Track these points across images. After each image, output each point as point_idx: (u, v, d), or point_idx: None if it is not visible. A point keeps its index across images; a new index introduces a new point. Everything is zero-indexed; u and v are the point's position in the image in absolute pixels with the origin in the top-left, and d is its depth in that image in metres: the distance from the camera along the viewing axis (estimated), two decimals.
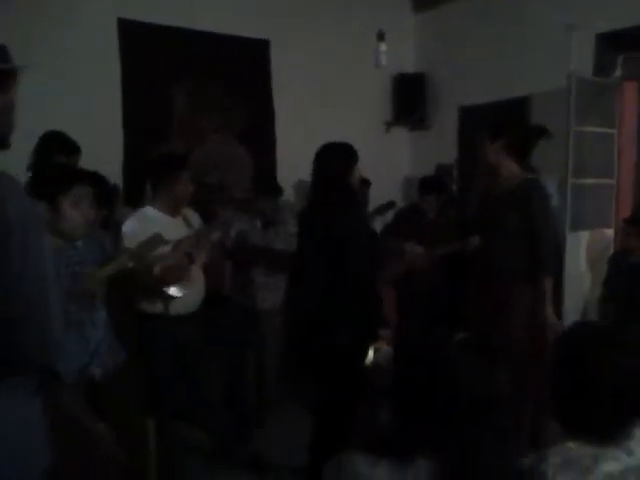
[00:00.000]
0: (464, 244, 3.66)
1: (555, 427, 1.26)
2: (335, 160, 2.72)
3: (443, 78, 5.02)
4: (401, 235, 4.04)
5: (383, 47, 4.96)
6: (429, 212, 4.24)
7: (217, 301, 3.33)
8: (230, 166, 4.41)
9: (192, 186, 2.99)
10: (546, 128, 2.99)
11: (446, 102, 5.00)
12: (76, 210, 2.14)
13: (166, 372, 2.87)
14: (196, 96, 4.31)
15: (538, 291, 2.85)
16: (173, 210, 2.97)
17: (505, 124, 3.06)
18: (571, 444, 1.22)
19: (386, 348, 2.20)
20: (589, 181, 4.04)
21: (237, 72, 4.44)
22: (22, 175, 2.55)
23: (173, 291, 2.85)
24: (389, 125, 5.24)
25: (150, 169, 3.07)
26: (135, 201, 3.44)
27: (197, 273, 2.96)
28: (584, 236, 4.06)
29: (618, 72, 4.12)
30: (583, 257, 4.06)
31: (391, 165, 5.01)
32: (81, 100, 3.69)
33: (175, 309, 2.88)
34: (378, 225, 4.18)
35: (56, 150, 3.05)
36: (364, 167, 2.82)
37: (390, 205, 4.25)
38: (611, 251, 4.13)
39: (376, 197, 4.28)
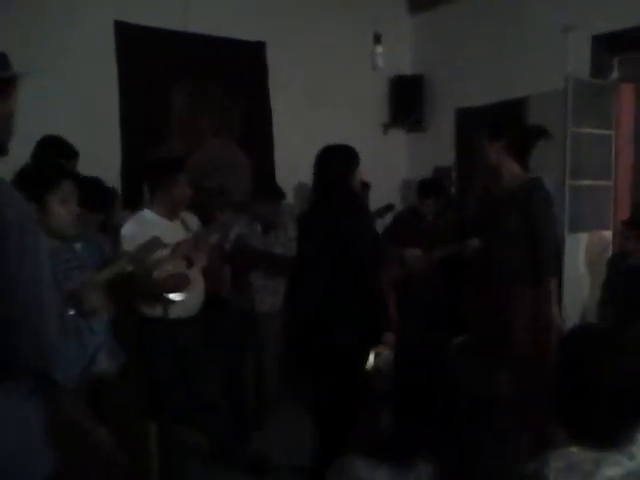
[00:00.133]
0: (463, 246, 3.67)
1: (558, 431, 1.26)
2: (336, 162, 2.73)
3: (440, 80, 5.03)
4: (400, 238, 4.05)
5: (379, 49, 4.97)
6: (428, 215, 4.24)
7: (216, 304, 3.33)
8: (229, 169, 4.41)
9: (190, 189, 2.99)
10: (546, 128, 2.99)
11: (443, 104, 5.01)
12: (64, 208, 2.10)
13: (166, 376, 2.87)
14: (194, 98, 4.31)
15: (540, 292, 2.83)
16: (171, 213, 2.97)
17: (505, 124, 3.04)
18: (573, 448, 1.23)
19: (387, 353, 2.20)
20: (587, 182, 4.05)
21: (234, 74, 4.44)
22: None
23: (173, 295, 2.85)
24: (386, 127, 5.25)
25: (148, 172, 3.07)
26: (133, 203, 3.44)
27: (197, 276, 2.96)
28: (582, 238, 4.07)
29: (615, 73, 4.14)
30: (582, 259, 4.07)
31: (389, 167, 5.02)
32: (79, 102, 3.69)
33: (175, 313, 2.88)
34: (377, 228, 4.18)
35: (54, 155, 3.04)
36: (362, 169, 2.82)
37: (389, 208, 4.25)
38: (609, 253, 4.14)
39: (374, 200, 4.28)
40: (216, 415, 3.24)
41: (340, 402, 2.72)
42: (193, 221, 3.09)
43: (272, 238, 3.71)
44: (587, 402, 1.25)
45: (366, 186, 4.04)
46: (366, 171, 2.86)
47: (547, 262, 2.86)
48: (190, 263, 2.87)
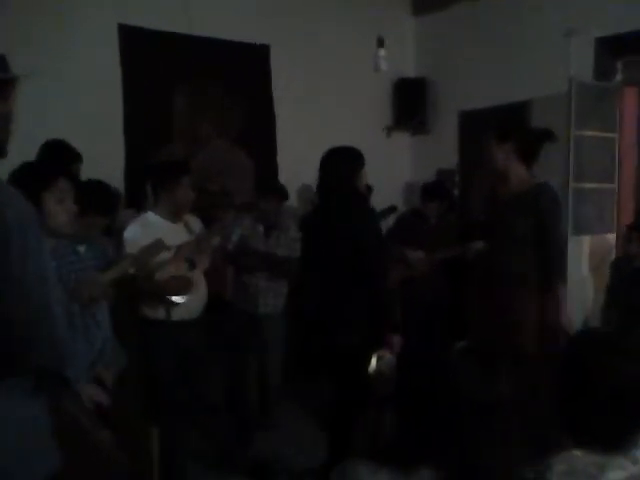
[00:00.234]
0: (465, 249, 3.66)
1: (561, 434, 1.26)
2: (341, 164, 2.74)
3: (444, 82, 5.03)
4: (402, 240, 4.05)
5: (383, 52, 4.97)
6: (430, 217, 4.24)
7: (219, 306, 3.33)
8: (232, 172, 4.42)
9: (193, 192, 2.99)
10: (552, 131, 2.97)
11: (447, 107, 5.01)
12: (60, 206, 2.08)
13: (168, 377, 2.87)
14: (197, 100, 4.32)
15: (548, 297, 2.81)
16: (174, 216, 2.97)
17: (513, 126, 3.02)
18: (577, 452, 1.22)
19: (389, 356, 2.20)
20: (590, 185, 4.04)
21: (237, 77, 4.45)
22: None
23: (176, 297, 2.85)
24: (390, 130, 5.25)
25: (151, 175, 3.08)
26: (137, 205, 3.45)
27: (199, 279, 2.96)
28: (586, 241, 4.06)
29: (618, 77, 4.13)
30: (585, 262, 4.06)
31: (392, 170, 5.01)
32: (82, 104, 3.70)
33: (178, 315, 2.88)
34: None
35: (57, 158, 3.04)
36: (365, 172, 2.83)
37: (392, 209, 4.25)
38: (613, 256, 4.13)
39: (377, 202, 4.28)
40: (218, 417, 3.24)
41: (342, 403, 2.72)
42: (196, 223, 3.10)
43: (274, 240, 3.71)
44: (591, 406, 1.24)
45: (369, 189, 4.04)
46: (369, 174, 2.86)
47: (556, 267, 2.84)
48: (192, 265, 2.88)
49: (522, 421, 1.24)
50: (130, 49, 4.02)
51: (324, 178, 2.77)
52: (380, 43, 4.97)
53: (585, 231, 4.01)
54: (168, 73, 4.16)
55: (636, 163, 4.31)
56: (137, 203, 3.44)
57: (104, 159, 3.54)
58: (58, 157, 3.04)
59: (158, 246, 2.64)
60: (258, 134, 4.56)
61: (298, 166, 4.27)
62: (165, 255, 2.75)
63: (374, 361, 2.19)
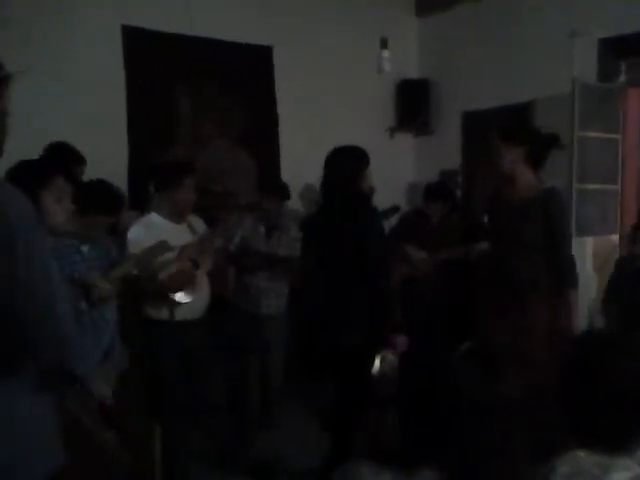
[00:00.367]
0: (468, 249, 3.66)
1: (565, 435, 1.26)
2: (346, 163, 2.74)
3: (446, 83, 5.03)
4: (405, 240, 4.06)
5: (386, 54, 4.97)
6: (433, 217, 4.24)
7: (221, 306, 3.33)
8: (235, 173, 4.42)
9: (195, 193, 2.99)
10: (559, 136, 2.95)
11: (450, 107, 5.00)
12: (58, 204, 2.07)
13: (171, 377, 2.88)
14: (200, 101, 4.32)
15: (560, 303, 2.78)
16: (178, 217, 2.98)
17: (525, 131, 2.98)
18: (581, 453, 1.22)
19: (391, 357, 2.20)
20: (593, 187, 4.04)
21: (240, 78, 4.46)
22: None
23: (180, 297, 2.86)
24: (393, 131, 5.24)
25: (153, 176, 3.09)
26: (141, 206, 3.45)
27: (202, 279, 2.96)
28: (589, 242, 4.05)
29: (622, 78, 4.12)
30: (589, 263, 4.05)
31: (395, 171, 5.01)
32: (85, 105, 3.70)
33: (181, 315, 2.89)
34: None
35: (61, 161, 3.05)
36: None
37: (395, 209, 4.25)
38: (616, 256, 4.12)
39: (380, 203, 4.27)
40: (221, 417, 3.24)
41: (345, 403, 2.73)
42: (199, 224, 3.10)
43: (275, 240, 3.72)
44: (595, 406, 1.24)
45: (371, 189, 4.04)
46: (372, 174, 2.86)
47: (567, 273, 2.82)
48: (196, 266, 2.88)
49: (526, 422, 1.24)
50: (133, 50, 4.02)
51: (328, 177, 2.77)
52: (384, 44, 4.97)
53: (588, 232, 4.00)
54: (171, 74, 4.16)
55: (639, 164, 4.30)
56: (141, 204, 3.44)
57: (107, 160, 3.55)
58: (62, 159, 3.05)
59: (162, 247, 2.65)
60: (261, 134, 4.56)
61: (300, 166, 4.27)
62: (169, 256, 2.75)
63: (377, 362, 2.19)
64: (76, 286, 2.17)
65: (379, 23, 4.94)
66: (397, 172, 5.08)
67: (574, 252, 3.79)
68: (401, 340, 2.61)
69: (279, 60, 4.59)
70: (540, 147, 2.89)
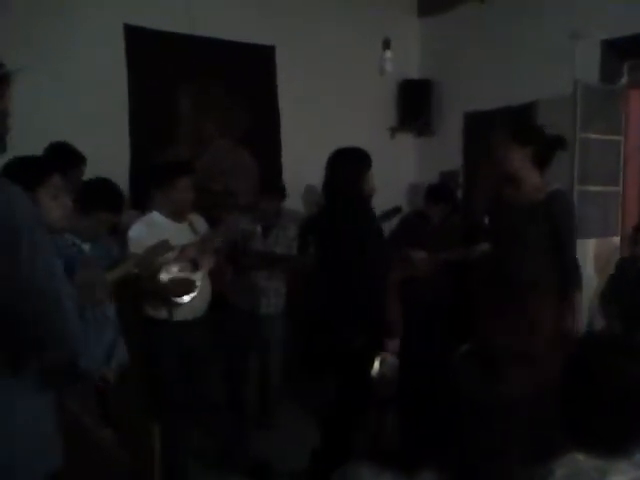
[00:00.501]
0: (469, 251, 3.66)
1: (564, 437, 1.25)
2: (348, 165, 2.74)
3: (448, 84, 5.02)
4: (406, 240, 4.06)
5: (388, 54, 4.97)
6: (434, 218, 4.24)
7: (220, 305, 3.33)
8: (236, 172, 4.42)
9: (193, 193, 2.98)
10: (564, 138, 2.93)
11: (451, 108, 5.00)
12: (55, 202, 2.04)
13: (171, 376, 2.88)
14: (202, 100, 4.32)
15: (564, 305, 2.78)
16: (178, 216, 2.98)
17: (533, 130, 2.95)
18: (579, 455, 1.22)
19: (391, 359, 2.20)
20: (595, 188, 4.03)
21: (243, 78, 4.46)
22: None
23: (179, 298, 2.86)
24: (394, 131, 5.24)
25: (151, 175, 3.10)
26: (142, 206, 3.45)
27: (203, 279, 2.96)
28: (590, 244, 4.05)
29: (624, 79, 4.11)
30: (590, 265, 4.05)
31: (396, 171, 5.00)
32: (87, 105, 3.70)
33: (181, 314, 2.89)
34: (384, 230, 4.17)
35: (62, 161, 3.05)
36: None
37: (396, 210, 4.24)
38: (617, 258, 4.11)
39: (381, 203, 4.27)
40: (220, 416, 3.25)
41: (344, 403, 2.73)
42: (200, 223, 3.11)
43: (273, 239, 3.72)
44: (595, 408, 1.24)
45: (371, 190, 4.04)
46: (374, 176, 2.85)
47: (572, 275, 2.81)
48: (196, 266, 2.89)
49: (526, 423, 1.24)
50: (135, 49, 4.02)
51: (330, 179, 2.77)
52: (386, 45, 4.97)
53: (590, 234, 4.00)
54: (173, 73, 4.16)
55: None
56: (142, 204, 3.45)
57: (108, 160, 3.54)
58: (63, 159, 3.04)
59: (163, 246, 2.65)
60: (262, 134, 4.56)
61: (301, 167, 4.27)
62: (170, 255, 2.76)
63: (377, 363, 2.19)
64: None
65: (381, 23, 4.94)
66: (398, 173, 5.07)
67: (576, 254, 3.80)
68: (392, 344, 2.61)
69: (280, 60, 4.59)
70: (546, 148, 2.86)
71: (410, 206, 4.95)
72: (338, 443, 2.69)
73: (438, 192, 4.29)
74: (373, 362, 2.58)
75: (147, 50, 4.05)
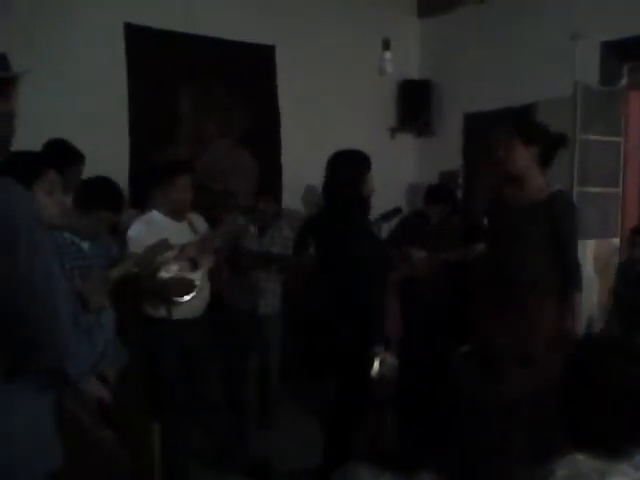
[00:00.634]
0: (468, 251, 3.66)
1: (564, 438, 1.25)
2: (347, 167, 2.74)
3: (448, 85, 5.03)
4: (405, 240, 4.06)
5: (388, 55, 4.97)
6: (434, 219, 4.24)
7: (219, 305, 3.33)
8: (236, 172, 4.42)
9: (191, 192, 2.98)
10: (567, 135, 2.91)
11: (451, 109, 5.00)
12: (50, 198, 2.01)
13: (170, 376, 2.88)
14: (202, 100, 4.32)
15: (564, 306, 2.78)
16: (177, 215, 2.98)
17: (539, 129, 2.93)
18: (580, 456, 1.22)
19: (391, 359, 2.20)
20: (594, 189, 4.04)
21: (243, 77, 4.45)
22: None
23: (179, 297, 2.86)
24: (394, 131, 5.24)
25: (150, 174, 3.11)
26: (142, 204, 3.45)
27: (202, 278, 2.96)
28: (590, 245, 4.05)
29: (624, 81, 4.12)
30: (590, 266, 4.05)
31: (395, 171, 5.01)
32: (87, 104, 3.70)
33: (181, 313, 2.89)
34: (384, 231, 4.17)
35: (60, 158, 3.04)
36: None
37: (397, 211, 4.25)
38: (617, 260, 4.12)
39: (381, 203, 4.27)
40: (220, 416, 3.25)
41: (343, 403, 2.73)
42: (200, 222, 3.10)
43: (268, 239, 3.73)
44: (594, 409, 1.24)
45: (370, 191, 4.04)
46: (373, 178, 2.86)
47: (572, 276, 2.80)
48: (195, 265, 2.89)
49: (525, 423, 1.24)
50: (136, 48, 4.02)
51: (330, 181, 2.77)
52: (386, 46, 4.97)
53: (589, 235, 4.00)
54: (173, 73, 4.16)
55: None
56: (141, 203, 3.45)
57: (108, 159, 3.54)
58: (60, 156, 3.04)
59: (163, 246, 2.65)
60: (262, 134, 4.56)
61: (301, 167, 4.27)
62: (169, 254, 2.75)
63: (376, 364, 2.18)
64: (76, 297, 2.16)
65: (381, 23, 4.94)
66: (398, 173, 5.08)
67: None
68: (379, 349, 2.60)
69: (280, 60, 4.59)
70: (550, 147, 2.85)
71: (410, 206, 4.95)
72: (338, 443, 2.69)
73: (438, 192, 4.29)
74: (372, 362, 2.58)
75: (147, 49, 4.05)
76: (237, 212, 3.86)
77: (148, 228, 2.87)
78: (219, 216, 3.62)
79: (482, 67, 4.68)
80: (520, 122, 3.30)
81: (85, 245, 2.42)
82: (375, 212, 4.15)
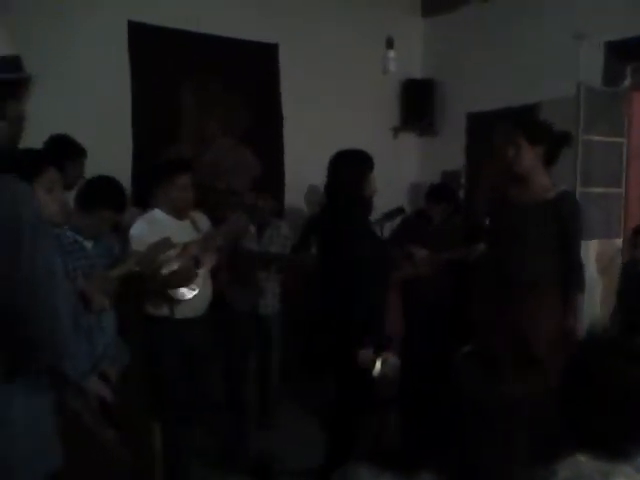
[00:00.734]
0: (470, 250, 3.66)
1: (567, 439, 1.25)
2: (349, 167, 2.73)
3: (451, 84, 5.02)
4: (407, 240, 4.06)
5: (392, 54, 4.97)
6: (436, 219, 4.24)
7: (220, 304, 3.33)
8: (239, 171, 4.42)
9: (192, 191, 2.97)
10: (571, 134, 2.90)
11: (454, 108, 4.99)
12: (50, 196, 2.01)
13: (172, 375, 2.88)
14: (205, 98, 4.32)
15: (566, 306, 2.77)
16: (179, 213, 2.98)
17: (546, 129, 2.91)
18: (582, 458, 1.22)
19: (393, 359, 2.20)
20: (597, 190, 4.03)
21: (246, 76, 4.45)
22: None
23: (182, 294, 2.85)
24: (397, 131, 5.24)
25: (152, 173, 3.11)
26: (144, 202, 3.45)
27: (204, 277, 2.96)
28: (592, 245, 4.04)
29: (627, 81, 4.11)
30: (592, 266, 4.04)
31: (398, 171, 5.00)
32: (90, 102, 3.70)
33: (182, 312, 2.89)
34: (386, 230, 4.17)
35: (63, 153, 3.05)
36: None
37: (399, 211, 4.25)
38: (619, 260, 4.11)
39: (383, 203, 4.27)
40: (221, 415, 3.25)
41: (344, 403, 2.73)
42: (203, 221, 3.10)
43: (267, 239, 3.72)
44: (595, 410, 1.24)
45: (372, 191, 4.04)
46: (376, 178, 2.85)
47: (575, 276, 2.80)
48: (197, 264, 2.88)
49: (527, 424, 1.24)
50: (139, 46, 4.02)
51: (332, 180, 2.77)
52: (389, 44, 4.97)
53: (592, 235, 3.99)
54: (176, 71, 4.16)
55: None
56: (144, 201, 3.45)
57: (111, 157, 3.55)
58: (62, 151, 3.05)
59: (165, 244, 2.65)
60: (265, 133, 4.56)
61: (303, 166, 4.27)
62: (171, 252, 2.76)
63: (378, 364, 2.18)
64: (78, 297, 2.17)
65: (385, 23, 4.94)
66: (400, 172, 5.07)
67: None
68: (362, 354, 2.59)
69: (282, 59, 4.59)
70: (555, 146, 2.84)
71: (411, 206, 4.95)
72: (339, 443, 2.69)
73: (439, 192, 4.29)
74: (374, 362, 2.58)
75: (150, 47, 4.05)
76: (241, 211, 3.87)
77: (150, 227, 2.87)
78: (223, 215, 3.63)
79: (485, 67, 4.68)
80: (524, 121, 3.28)
81: (88, 244, 2.42)
82: (377, 212, 4.16)
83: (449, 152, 4.98)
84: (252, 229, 3.70)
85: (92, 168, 3.22)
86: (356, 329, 2.63)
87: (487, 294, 3.00)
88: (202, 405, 3.07)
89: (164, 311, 2.88)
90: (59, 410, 1.50)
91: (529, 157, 2.79)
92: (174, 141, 4.17)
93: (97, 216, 2.43)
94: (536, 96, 4.22)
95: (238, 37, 4.34)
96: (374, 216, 3.09)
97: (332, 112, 4.66)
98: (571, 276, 2.80)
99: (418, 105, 5.11)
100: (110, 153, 3.61)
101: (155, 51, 4.07)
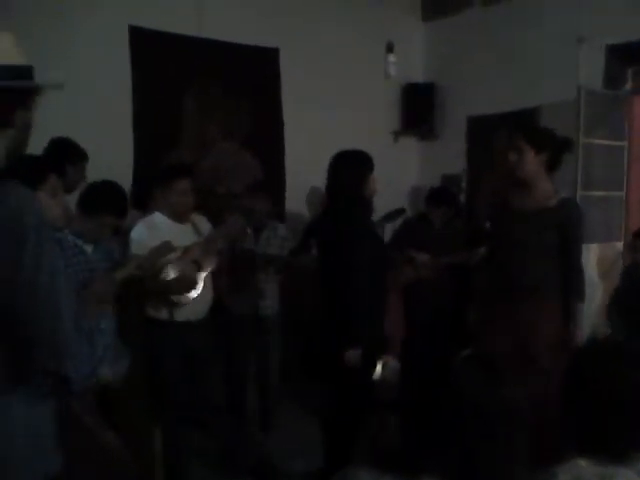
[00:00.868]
0: (471, 255, 3.66)
1: (567, 443, 1.25)
2: (349, 168, 2.74)
3: (452, 88, 5.03)
4: (408, 243, 4.06)
5: (392, 58, 4.98)
6: (436, 222, 4.24)
7: (219, 307, 3.34)
8: (240, 174, 4.42)
9: (191, 196, 2.97)
10: (572, 140, 2.90)
11: (454, 112, 5.00)
12: (53, 200, 2.02)
13: (173, 378, 2.88)
14: (206, 103, 4.33)
15: (566, 312, 2.77)
16: (180, 217, 2.98)
17: (548, 135, 2.90)
18: (582, 462, 1.21)
19: (393, 362, 2.19)
20: (598, 193, 4.03)
21: (247, 80, 4.46)
22: None
23: (182, 297, 2.85)
24: (397, 135, 5.24)
25: (153, 177, 3.12)
26: (144, 206, 3.45)
27: (205, 280, 2.96)
28: (593, 249, 4.04)
29: (628, 85, 4.12)
30: (593, 270, 4.04)
31: (399, 174, 5.00)
32: (91, 102, 3.70)
33: (183, 315, 2.89)
34: (387, 232, 4.18)
35: (63, 156, 3.06)
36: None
37: (400, 212, 4.26)
38: (620, 263, 4.11)
39: (383, 206, 4.27)
40: (222, 417, 3.25)
41: (344, 406, 2.73)
42: (203, 224, 3.11)
43: (264, 240, 3.73)
44: (596, 414, 1.24)
45: (372, 193, 4.04)
46: (376, 179, 2.86)
47: (575, 283, 2.80)
48: (198, 267, 2.89)
49: (528, 427, 1.24)
50: (141, 51, 4.02)
51: (333, 181, 2.78)
52: (390, 49, 4.98)
53: (593, 239, 3.99)
54: (178, 75, 4.16)
55: None
56: (144, 205, 3.45)
57: (112, 160, 3.55)
58: (62, 155, 3.05)
59: (166, 248, 2.66)
60: (266, 137, 4.56)
61: (303, 169, 4.27)
62: (172, 256, 2.76)
63: (379, 367, 2.18)
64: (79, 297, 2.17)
65: (386, 27, 4.95)
66: (401, 176, 5.07)
67: None
68: (350, 355, 2.59)
69: (282, 62, 4.59)
70: (558, 152, 2.83)
71: (411, 209, 4.95)
72: (339, 446, 2.69)
73: (439, 195, 4.29)
74: (374, 364, 2.58)
75: (152, 51, 4.06)
76: (239, 213, 3.87)
77: (150, 230, 2.88)
78: (223, 219, 3.63)
79: (486, 70, 4.68)
80: (525, 126, 3.28)
81: (88, 248, 2.43)
82: (378, 214, 4.17)
83: (449, 156, 4.98)
84: (249, 232, 3.71)
85: (93, 171, 3.23)
86: (354, 329, 2.63)
87: (488, 298, 3.00)
88: (202, 407, 3.07)
89: (164, 314, 2.88)
90: (61, 417, 1.50)
91: (532, 162, 2.78)
92: (175, 146, 4.17)
93: (98, 221, 2.44)
94: (537, 99, 4.23)
95: (239, 42, 4.35)
96: (375, 218, 3.10)
97: (333, 116, 4.66)
98: (570, 283, 2.79)
99: (418, 109, 5.12)
100: (111, 156, 3.61)
101: (156, 56, 4.07)
